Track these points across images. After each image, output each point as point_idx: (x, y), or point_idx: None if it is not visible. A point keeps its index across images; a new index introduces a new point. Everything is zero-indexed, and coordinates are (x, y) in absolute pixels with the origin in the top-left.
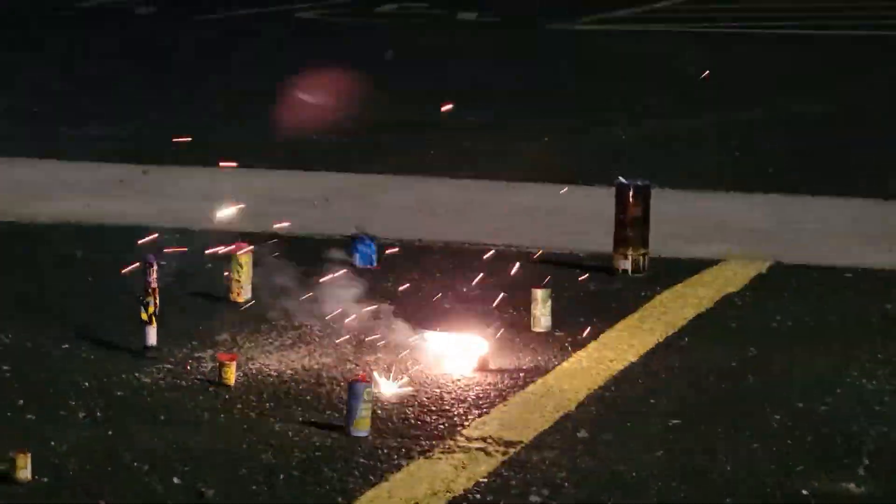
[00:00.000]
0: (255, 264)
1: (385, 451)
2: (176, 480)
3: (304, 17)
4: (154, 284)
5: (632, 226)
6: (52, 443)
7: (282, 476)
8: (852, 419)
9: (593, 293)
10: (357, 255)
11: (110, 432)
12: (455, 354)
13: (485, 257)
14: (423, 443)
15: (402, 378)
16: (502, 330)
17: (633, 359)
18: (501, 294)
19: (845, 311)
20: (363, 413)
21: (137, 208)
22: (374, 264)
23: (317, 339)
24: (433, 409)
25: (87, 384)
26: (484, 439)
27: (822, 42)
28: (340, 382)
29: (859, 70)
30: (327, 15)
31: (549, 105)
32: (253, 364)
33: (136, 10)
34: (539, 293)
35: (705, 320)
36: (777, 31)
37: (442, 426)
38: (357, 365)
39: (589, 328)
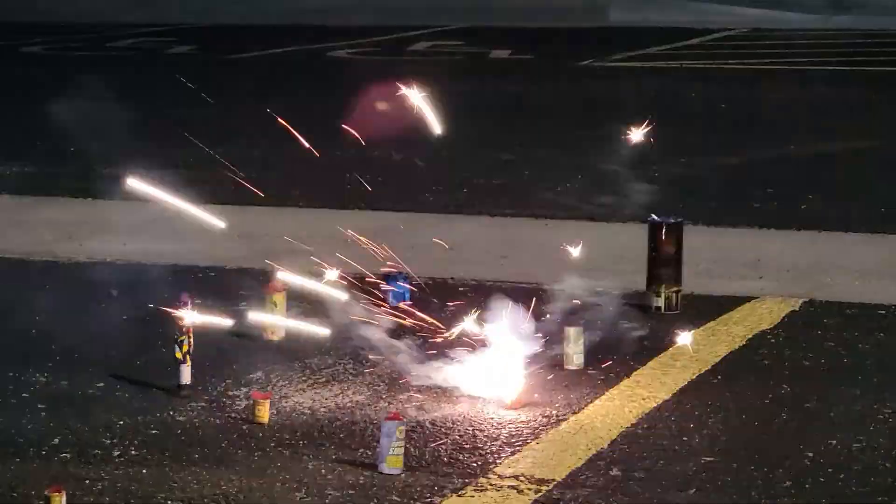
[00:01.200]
0: (289, 302)
1: (417, 489)
2: None
3: (337, 55)
4: (188, 323)
5: (665, 263)
6: (87, 481)
7: None
8: (886, 457)
9: (626, 330)
10: (390, 293)
11: (144, 471)
12: (487, 393)
13: (517, 295)
14: (456, 481)
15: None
16: (534, 368)
17: (666, 396)
18: (534, 332)
19: (879, 349)
20: (396, 451)
21: (173, 247)
22: (408, 302)
23: (350, 377)
24: (466, 447)
25: (121, 423)
26: (516, 477)
27: (856, 78)
28: (373, 420)
29: (894, 106)
30: (359, 54)
31: (582, 142)
32: (287, 402)
33: (172, 49)
34: (571, 331)
35: (738, 358)
36: (810, 67)
37: (474, 464)
38: (390, 403)
39: (621, 366)
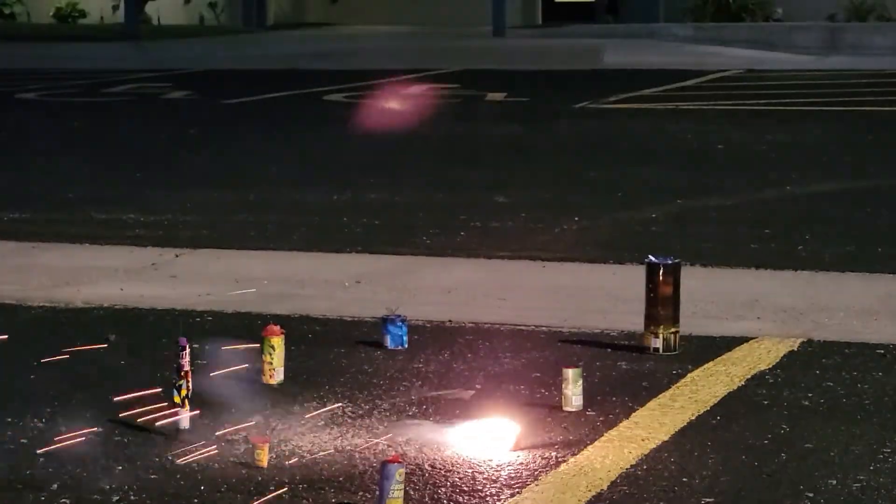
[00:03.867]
0: (288, 347)
1: None
2: None
3: (332, 99)
4: (186, 367)
5: (662, 304)
6: None
7: None
8: (887, 497)
9: (624, 372)
10: (388, 337)
11: None
12: (486, 435)
13: (515, 337)
14: None
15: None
16: (534, 410)
17: (665, 437)
18: (532, 374)
19: (878, 389)
20: (395, 494)
21: (170, 292)
22: (405, 345)
23: (349, 421)
24: (465, 489)
25: (120, 468)
26: None
27: (851, 118)
28: (373, 463)
29: (889, 146)
30: (354, 97)
31: (579, 184)
32: (286, 446)
33: (169, 94)
34: (570, 372)
35: (737, 398)
36: (805, 108)
37: None
38: (389, 446)
39: (620, 407)
